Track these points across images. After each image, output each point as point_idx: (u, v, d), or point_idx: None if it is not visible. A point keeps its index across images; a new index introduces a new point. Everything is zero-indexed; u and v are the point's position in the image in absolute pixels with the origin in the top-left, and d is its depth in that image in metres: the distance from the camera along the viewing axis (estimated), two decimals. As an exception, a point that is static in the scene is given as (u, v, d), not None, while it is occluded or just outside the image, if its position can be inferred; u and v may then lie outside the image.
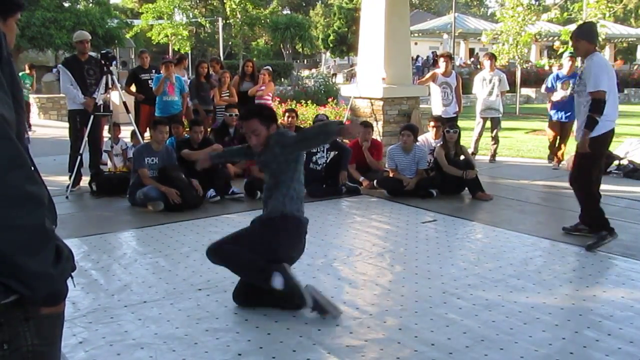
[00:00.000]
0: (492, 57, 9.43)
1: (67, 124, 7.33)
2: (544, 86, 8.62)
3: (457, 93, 8.53)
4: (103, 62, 6.78)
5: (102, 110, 6.83)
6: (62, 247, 1.30)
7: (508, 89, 9.52)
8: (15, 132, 1.24)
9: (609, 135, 4.87)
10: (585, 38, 4.88)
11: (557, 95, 8.20)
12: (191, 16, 29.60)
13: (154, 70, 9.03)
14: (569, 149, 9.54)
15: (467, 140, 8.48)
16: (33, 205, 1.21)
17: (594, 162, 4.86)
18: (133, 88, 9.20)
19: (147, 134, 8.65)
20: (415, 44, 32.22)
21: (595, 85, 4.67)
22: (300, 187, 3.51)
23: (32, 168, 1.27)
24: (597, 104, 4.67)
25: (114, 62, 7.85)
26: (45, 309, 1.31)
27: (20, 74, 13.54)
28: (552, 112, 8.47)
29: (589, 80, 4.72)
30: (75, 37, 7.15)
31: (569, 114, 8.01)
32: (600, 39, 12.64)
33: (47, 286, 1.25)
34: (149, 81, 8.83)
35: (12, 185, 1.18)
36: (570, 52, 8.25)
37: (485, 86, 8.99)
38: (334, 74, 31.09)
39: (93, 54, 7.58)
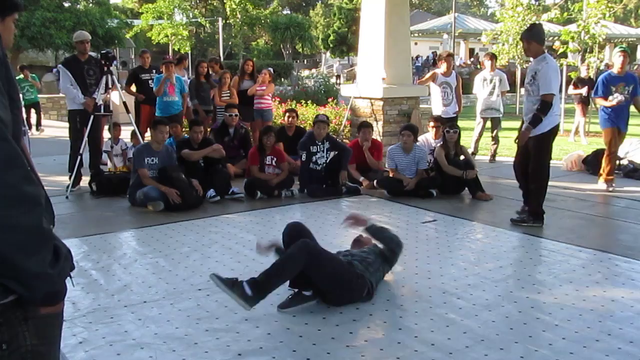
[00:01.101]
0: (493, 57, 9.41)
1: (67, 124, 7.33)
2: (595, 91, 7.25)
3: (457, 93, 8.52)
4: (103, 62, 6.78)
5: (102, 111, 6.82)
6: (60, 247, 1.30)
7: (509, 89, 9.52)
8: (12, 133, 1.24)
9: (557, 128, 5.38)
10: (536, 40, 5.23)
11: (614, 99, 6.90)
12: (191, 16, 29.60)
13: (154, 71, 9.01)
14: (570, 149, 9.55)
15: (467, 140, 8.48)
16: (30, 206, 1.21)
17: (547, 154, 5.31)
18: (133, 88, 9.19)
19: (147, 134, 8.66)
20: (415, 44, 32.19)
21: (548, 88, 5.10)
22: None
23: (29, 168, 1.26)
24: (546, 105, 5.10)
25: (114, 62, 7.84)
26: (44, 309, 1.30)
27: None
28: (606, 118, 7.03)
29: (544, 82, 5.10)
30: (75, 37, 7.15)
31: (623, 120, 7.05)
32: (600, 39, 12.66)
33: (45, 286, 1.25)
34: (149, 81, 8.81)
35: (9, 185, 1.18)
36: (622, 47, 7.34)
37: (486, 86, 8.98)
38: (338, 76, 29.45)
39: (93, 54, 7.57)
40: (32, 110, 13.38)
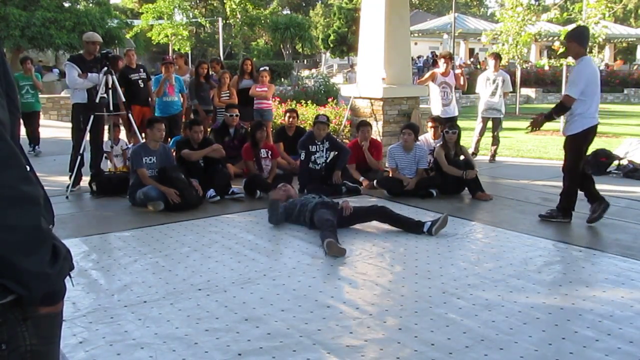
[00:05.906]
0: (497, 57, 9.33)
1: (67, 124, 7.32)
2: None
3: (457, 82, 8.60)
4: (104, 62, 6.76)
5: (107, 110, 6.83)
6: (59, 246, 1.29)
7: (511, 89, 9.48)
8: (10, 133, 1.24)
9: (591, 130, 5.32)
10: (576, 40, 5.27)
11: None
12: (191, 16, 29.63)
13: (141, 70, 8.56)
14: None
15: (467, 141, 8.48)
16: (28, 206, 1.21)
17: (578, 156, 5.39)
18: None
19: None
20: (415, 44, 32.21)
21: (569, 90, 5.20)
22: None
23: (28, 168, 1.26)
24: (561, 107, 5.26)
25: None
26: (43, 309, 1.30)
27: (15, 74, 12.91)
28: None
29: (569, 84, 5.24)
30: (86, 37, 7.05)
31: None
32: (600, 39, 12.65)
33: (44, 286, 1.25)
34: (139, 81, 8.38)
35: (7, 185, 1.18)
36: None
37: (489, 86, 8.95)
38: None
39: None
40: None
